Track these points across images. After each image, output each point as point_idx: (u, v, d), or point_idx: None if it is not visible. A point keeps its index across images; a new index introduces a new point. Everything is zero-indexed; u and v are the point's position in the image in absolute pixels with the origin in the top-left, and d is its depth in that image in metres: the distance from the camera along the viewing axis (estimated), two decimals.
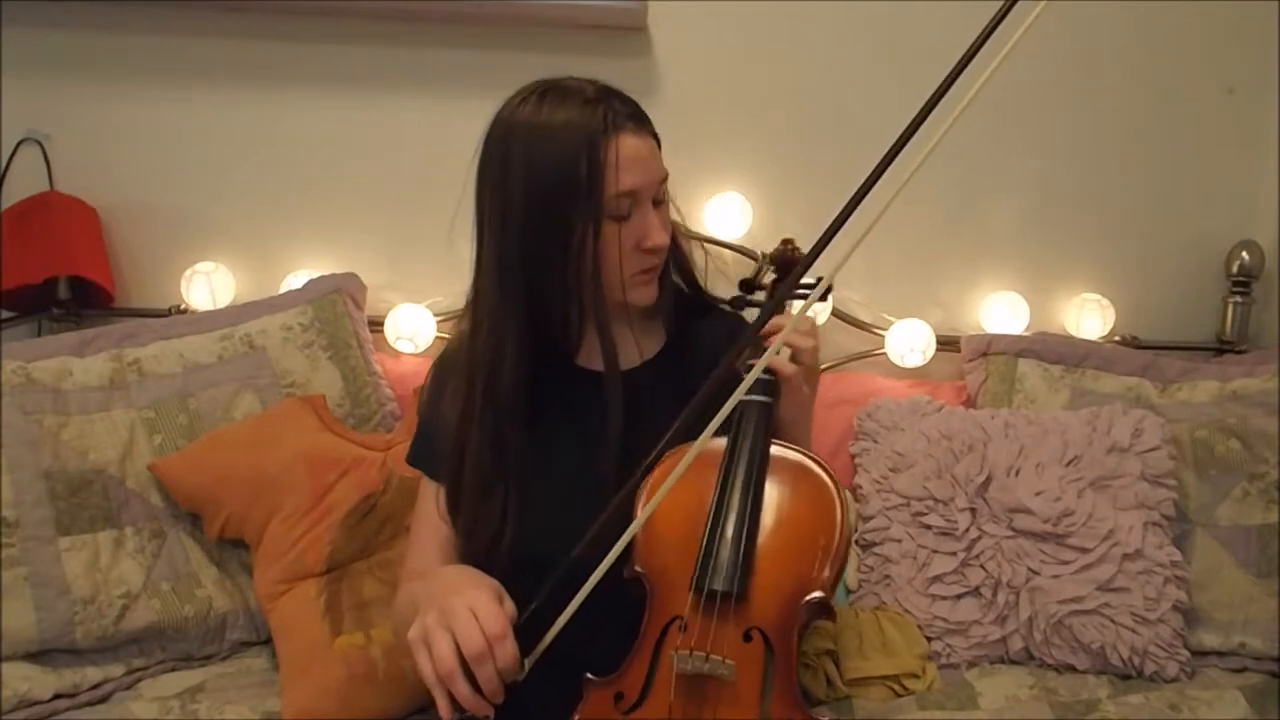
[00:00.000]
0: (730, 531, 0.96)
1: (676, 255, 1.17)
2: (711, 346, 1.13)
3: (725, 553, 0.95)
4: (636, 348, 1.15)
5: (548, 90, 1.04)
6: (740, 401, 0.95)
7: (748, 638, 0.93)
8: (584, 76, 1.07)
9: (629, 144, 1.02)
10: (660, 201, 1.08)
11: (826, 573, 0.96)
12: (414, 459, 1.18)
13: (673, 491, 0.90)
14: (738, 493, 0.98)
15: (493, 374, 1.05)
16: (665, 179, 1.08)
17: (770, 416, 1.05)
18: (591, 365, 1.12)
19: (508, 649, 0.86)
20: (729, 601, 0.94)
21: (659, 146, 1.09)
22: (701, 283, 1.23)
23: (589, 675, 0.96)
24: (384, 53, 1.77)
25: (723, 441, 1.02)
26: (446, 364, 1.16)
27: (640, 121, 1.06)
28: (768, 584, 0.96)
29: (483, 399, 1.06)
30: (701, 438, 0.89)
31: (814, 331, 1.10)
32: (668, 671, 0.92)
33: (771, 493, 1.01)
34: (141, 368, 1.53)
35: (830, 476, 1.02)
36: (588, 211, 1.01)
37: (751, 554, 0.96)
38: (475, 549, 1.07)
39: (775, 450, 1.04)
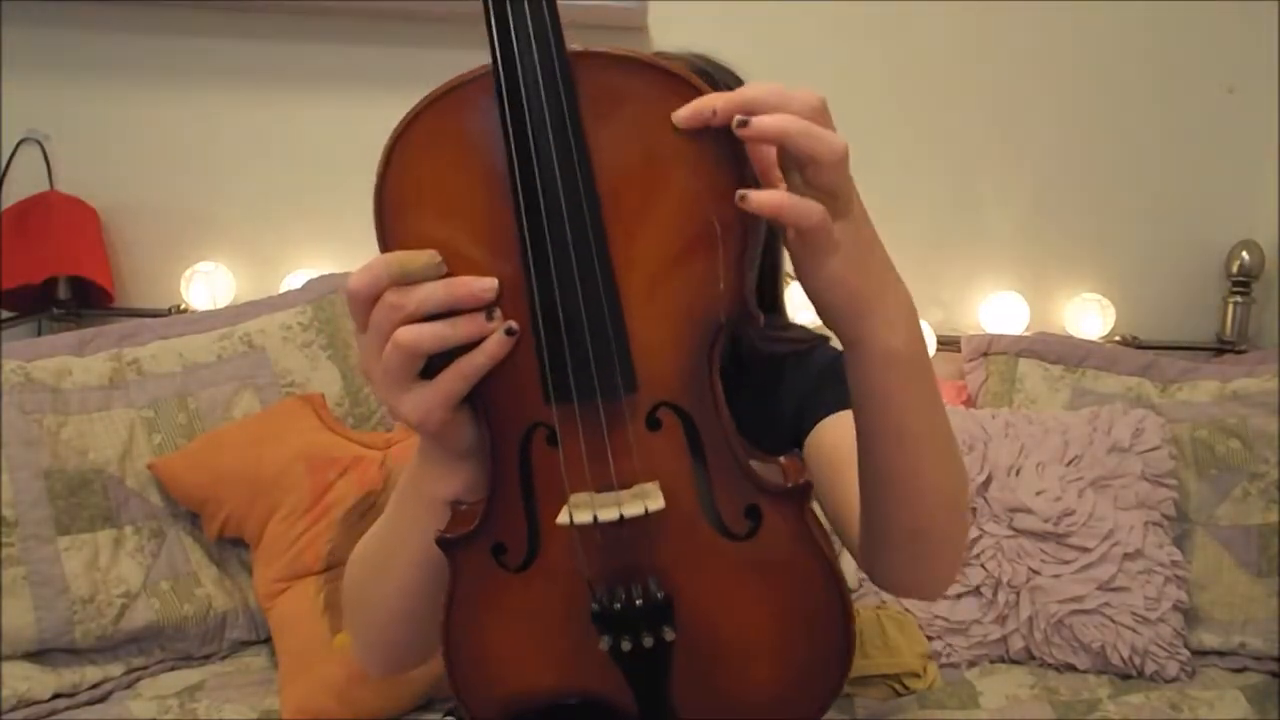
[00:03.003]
0: (579, 288, 0.57)
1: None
2: (781, 381, 0.94)
3: (585, 333, 0.57)
4: None
5: None
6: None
7: (654, 423, 0.60)
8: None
9: None
10: None
11: (732, 250, 0.57)
12: None
13: (440, 214, 0.58)
14: (561, 196, 0.56)
15: None
16: None
17: None
18: None
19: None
20: (617, 398, 0.59)
21: None
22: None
23: (443, 535, 0.64)
24: (384, 53, 1.77)
25: (481, 89, 0.58)
26: None
27: None
28: (650, 328, 0.58)
29: None
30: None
31: (821, 110, 0.56)
32: (553, 513, 0.61)
33: (609, 160, 0.56)
34: (141, 367, 1.53)
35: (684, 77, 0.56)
36: None
37: (619, 310, 0.58)
38: None
39: (581, 65, 0.57)
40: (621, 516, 0.58)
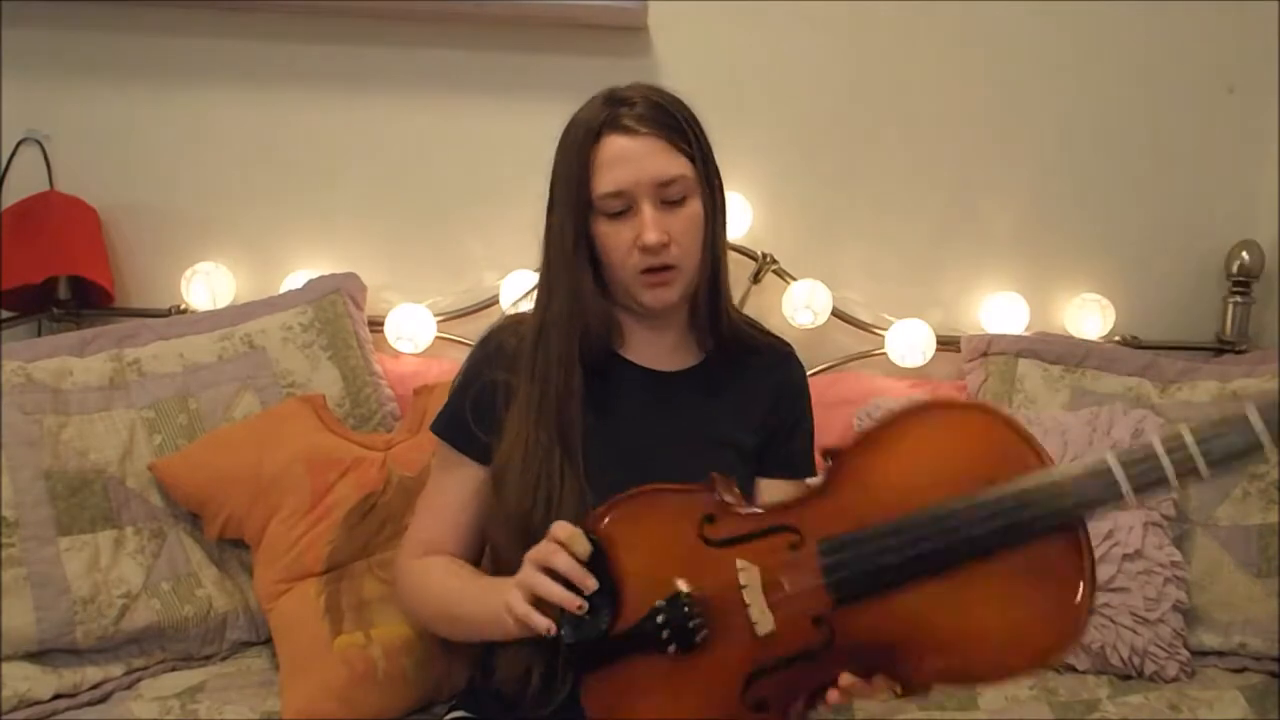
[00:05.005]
0: None
1: (714, 276, 1.14)
2: (758, 372, 1.19)
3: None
4: (671, 354, 1.17)
5: (602, 92, 1.10)
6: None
7: (817, 622, 0.92)
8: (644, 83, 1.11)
9: (615, 145, 1.05)
10: (672, 202, 1.07)
11: None
12: (444, 430, 1.15)
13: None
14: None
15: (544, 337, 1.10)
16: (673, 181, 1.06)
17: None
18: (628, 355, 1.15)
19: (568, 533, 0.94)
20: None
21: (688, 148, 1.08)
22: (728, 305, 1.17)
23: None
24: (384, 53, 1.77)
25: None
26: (497, 334, 1.17)
27: (647, 123, 1.06)
28: None
29: (540, 357, 1.10)
30: None
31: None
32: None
33: None
34: (141, 368, 1.53)
35: None
36: (580, 206, 1.07)
37: None
38: (523, 515, 1.06)
39: None
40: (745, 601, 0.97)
